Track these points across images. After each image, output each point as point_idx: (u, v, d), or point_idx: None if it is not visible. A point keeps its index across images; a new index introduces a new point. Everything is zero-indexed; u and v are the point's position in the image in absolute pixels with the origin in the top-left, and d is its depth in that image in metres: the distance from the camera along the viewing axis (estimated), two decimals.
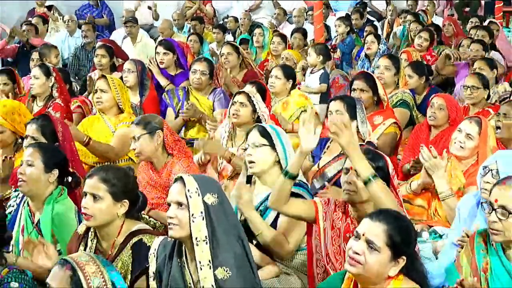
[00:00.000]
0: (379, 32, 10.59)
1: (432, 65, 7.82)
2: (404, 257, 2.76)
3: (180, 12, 11.56)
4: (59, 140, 4.33)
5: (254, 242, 3.73)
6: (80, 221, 3.67)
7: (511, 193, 2.99)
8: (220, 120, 5.72)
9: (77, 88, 7.67)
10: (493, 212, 3.02)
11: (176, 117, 6.10)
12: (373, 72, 7.25)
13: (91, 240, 3.36)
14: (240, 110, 4.90)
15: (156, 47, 7.09)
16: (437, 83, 7.66)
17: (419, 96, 6.69)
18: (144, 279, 3.16)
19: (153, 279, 3.00)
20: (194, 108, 5.91)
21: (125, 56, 7.96)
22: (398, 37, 9.72)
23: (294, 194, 3.58)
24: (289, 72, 6.34)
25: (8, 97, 6.18)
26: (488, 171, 3.60)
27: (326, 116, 4.88)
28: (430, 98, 5.48)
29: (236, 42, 8.87)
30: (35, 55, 7.83)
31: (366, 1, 12.85)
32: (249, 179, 3.97)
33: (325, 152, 4.84)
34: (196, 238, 2.83)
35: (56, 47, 8.09)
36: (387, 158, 3.49)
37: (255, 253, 3.50)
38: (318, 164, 4.74)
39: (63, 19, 10.79)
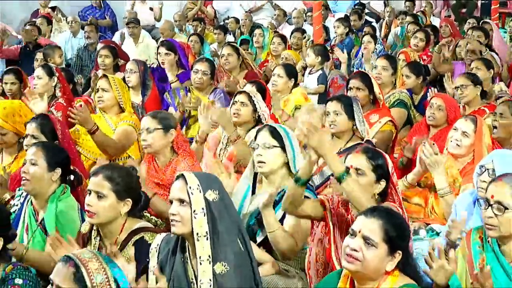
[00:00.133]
0: (377, 33, 10.61)
1: (429, 64, 7.85)
2: (400, 252, 2.77)
3: (181, 13, 11.56)
4: (58, 138, 4.33)
5: (258, 241, 3.74)
6: (83, 219, 3.68)
7: (507, 189, 3.01)
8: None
9: (81, 84, 7.66)
10: (489, 207, 3.03)
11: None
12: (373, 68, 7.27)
13: (95, 238, 3.37)
14: (241, 110, 4.90)
15: (157, 48, 7.09)
16: (430, 79, 7.67)
17: (416, 96, 6.69)
18: (145, 277, 3.16)
19: (153, 274, 3.00)
20: (199, 103, 5.89)
21: (125, 56, 7.96)
22: (399, 36, 9.74)
23: None
24: (291, 71, 6.36)
25: (14, 97, 6.22)
26: (485, 170, 3.61)
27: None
28: (429, 99, 5.48)
29: (236, 42, 8.87)
30: (39, 55, 7.84)
31: (364, 1, 12.86)
32: (254, 176, 3.96)
33: None
34: (197, 234, 2.84)
35: (60, 48, 8.12)
36: (387, 156, 3.49)
37: (254, 250, 3.49)
38: (318, 163, 4.73)
39: (66, 20, 10.80)
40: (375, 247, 2.73)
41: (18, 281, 3.03)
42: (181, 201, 2.90)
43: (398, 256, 2.77)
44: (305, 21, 11.44)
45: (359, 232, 2.77)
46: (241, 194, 3.92)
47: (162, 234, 3.10)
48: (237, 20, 11.42)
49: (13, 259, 3.33)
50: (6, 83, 6.39)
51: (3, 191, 4.22)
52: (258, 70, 7.74)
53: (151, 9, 11.99)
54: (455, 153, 4.57)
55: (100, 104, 5.34)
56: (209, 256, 2.82)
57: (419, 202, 4.64)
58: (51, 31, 10.50)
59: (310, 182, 3.87)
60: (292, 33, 9.37)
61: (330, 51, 8.19)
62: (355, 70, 7.81)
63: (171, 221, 2.93)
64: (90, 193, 3.29)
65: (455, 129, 4.59)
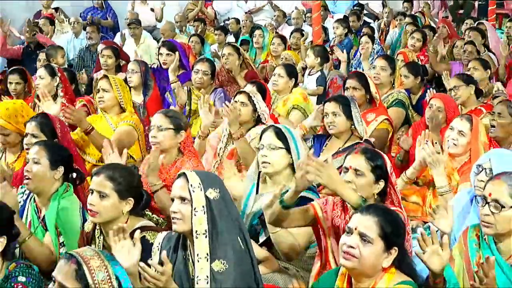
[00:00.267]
0: (376, 33, 10.62)
1: (426, 64, 7.86)
2: (396, 248, 2.78)
3: (182, 14, 11.56)
4: (58, 137, 4.34)
5: (260, 241, 3.74)
6: (84, 217, 3.69)
7: (505, 188, 3.02)
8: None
9: (83, 85, 7.67)
10: (486, 205, 3.04)
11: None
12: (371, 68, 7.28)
13: (98, 237, 3.38)
14: (241, 110, 4.89)
15: (159, 48, 7.09)
16: (428, 79, 7.68)
17: (414, 96, 6.70)
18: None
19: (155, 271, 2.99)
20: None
21: (126, 57, 7.96)
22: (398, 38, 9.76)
23: (305, 199, 3.58)
24: (291, 71, 6.36)
25: (19, 96, 6.23)
26: (482, 170, 3.61)
27: (323, 117, 4.88)
28: (428, 99, 5.47)
29: (237, 43, 8.88)
30: (42, 56, 7.86)
31: (363, 2, 12.86)
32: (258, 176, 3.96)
33: (323, 150, 4.84)
34: (196, 231, 2.85)
35: (62, 48, 8.11)
36: (385, 157, 3.48)
37: (254, 248, 3.49)
38: None
39: (68, 21, 10.80)
40: (371, 243, 2.75)
41: (21, 278, 3.04)
42: (182, 199, 2.91)
43: (394, 252, 2.78)
44: (304, 21, 11.45)
45: (355, 229, 2.78)
46: (246, 193, 3.92)
47: (163, 232, 3.11)
48: (237, 21, 11.42)
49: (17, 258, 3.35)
50: (11, 83, 6.40)
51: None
52: (258, 70, 7.75)
53: (152, 10, 12.00)
54: (452, 152, 4.57)
55: (101, 104, 5.34)
56: (207, 254, 2.83)
57: (416, 201, 4.64)
58: (53, 31, 10.50)
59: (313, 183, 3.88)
60: (291, 33, 9.37)
61: (330, 52, 8.19)
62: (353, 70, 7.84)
63: (172, 218, 2.94)
64: (92, 193, 3.30)
65: (451, 129, 4.60)
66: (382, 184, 3.43)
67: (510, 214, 3.00)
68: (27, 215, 3.83)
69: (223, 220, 2.87)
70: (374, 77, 6.24)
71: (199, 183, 2.89)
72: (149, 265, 2.89)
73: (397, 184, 3.69)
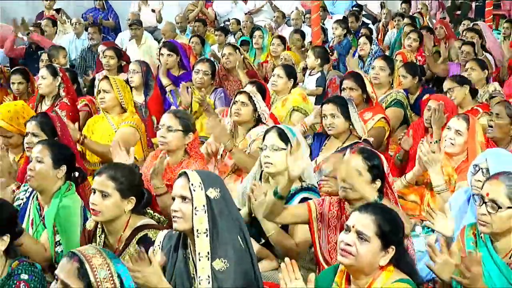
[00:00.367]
0: (374, 34, 10.62)
1: (424, 65, 7.86)
2: (393, 247, 2.78)
3: (182, 15, 11.56)
4: (58, 136, 4.34)
5: (262, 240, 3.74)
6: (85, 216, 3.69)
7: (502, 188, 3.01)
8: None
9: (85, 85, 7.67)
10: (484, 205, 3.03)
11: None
12: (366, 72, 7.29)
13: (99, 236, 3.39)
14: (241, 109, 4.89)
15: (160, 49, 7.09)
16: (426, 80, 7.68)
17: (412, 96, 6.71)
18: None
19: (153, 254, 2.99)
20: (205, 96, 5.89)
21: (126, 57, 7.96)
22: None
23: (307, 200, 3.62)
24: (290, 72, 6.35)
25: (22, 96, 6.24)
26: (479, 169, 3.60)
27: (321, 118, 4.89)
28: (426, 100, 5.48)
29: (237, 43, 8.87)
30: (44, 56, 7.87)
31: (361, 2, 12.86)
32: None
33: (322, 149, 4.85)
34: (197, 230, 2.85)
35: (64, 48, 8.13)
36: (382, 157, 3.50)
37: (254, 247, 3.50)
38: (316, 160, 4.75)
39: (70, 22, 10.80)
40: (368, 241, 2.75)
41: (24, 276, 3.04)
42: (183, 198, 2.91)
43: (392, 251, 2.78)
44: (303, 22, 11.44)
45: (353, 227, 2.79)
46: (248, 187, 3.91)
47: (164, 231, 3.11)
48: (238, 22, 11.42)
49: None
50: (13, 83, 6.41)
51: (10, 180, 4.23)
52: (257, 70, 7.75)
53: (153, 11, 11.99)
54: (450, 152, 4.57)
55: (102, 105, 5.35)
56: (208, 252, 2.83)
57: (415, 200, 4.64)
58: (55, 32, 10.50)
59: (314, 183, 3.89)
60: (291, 34, 9.36)
61: (330, 53, 8.20)
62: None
63: (173, 217, 2.94)
64: (94, 192, 3.30)
65: (448, 129, 4.61)
66: (378, 183, 3.45)
67: (507, 214, 3.00)
68: (29, 213, 3.84)
69: (224, 220, 2.87)
70: (373, 77, 6.25)
71: (200, 183, 2.89)
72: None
73: (395, 184, 3.70)
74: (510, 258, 3.04)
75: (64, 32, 10.79)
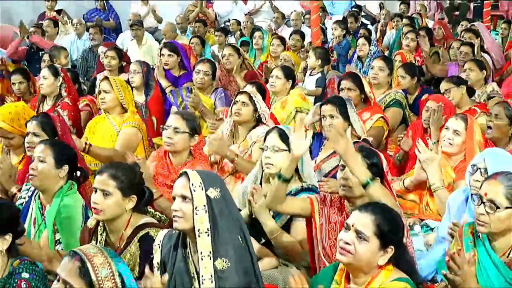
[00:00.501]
0: (373, 35, 10.61)
1: (422, 65, 7.86)
2: (392, 247, 2.77)
3: (183, 16, 11.56)
4: (58, 136, 4.34)
5: (263, 240, 3.74)
6: (86, 215, 3.69)
7: (501, 188, 3.00)
8: (219, 118, 5.72)
9: (85, 89, 7.67)
10: (482, 205, 3.03)
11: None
12: (365, 72, 7.29)
13: (101, 234, 3.39)
14: (242, 109, 4.89)
15: (161, 49, 7.09)
16: (426, 80, 7.68)
17: (411, 96, 6.71)
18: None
19: (157, 269, 3.00)
20: (198, 97, 5.89)
21: (127, 58, 7.96)
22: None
23: None
24: (289, 73, 6.35)
25: (23, 96, 6.24)
26: (477, 169, 3.60)
27: (321, 119, 4.88)
28: (425, 100, 5.48)
29: (237, 44, 8.87)
30: (46, 57, 7.88)
31: (360, 3, 12.85)
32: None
33: (322, 149, 4.85)
34: (199, 230, 2.84)
35: (65, 49, 8.15)
36: (381, 155, 3.50)
37: (254, 246, 3.49)
38: (315, 160, 4.75)
39: (71, 23, 10.80)
40: (367, 241, 2.75)
41: (25, 275, 3.03)
42: (184, 197, 2.90)
43: (391, 251, 2.77)
44: (303, 23, 11.44)
45: (352, 226, 2.79)
46: (249, 188, 3.91)
47: (164, 230, 3.10)
48: (238, 22, 11.42)
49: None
50: (14, 84, 6.41)
51: (11, 184, 4.22)
52: (258, 71, 7.74)
53: (154, 11, 11.99)
54: (448, 152, 4.58)
55: (103, 106, 5.35)
56: (210, 252, 2.82)
57: (414, 199, 4.64)
58: (57, 33, 10.51)
59: (315, 184, 3.89)
60: (291, 35, 9.37)
61: (331, 54, 8.21)
62: (353, 67, 7.83)
63: (174, 217, 2.93)
64: (96, 191, 3.30)
65: (447, 129, 4.62)
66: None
67: (505, 214, 2.99)
68: (31, 212, 3.84)
69: (224, 219, 2.86)
70: (372, 77, 6.26)
71: (200, 182, 2.88)
72: (151, 265, 2.92)
73: (394, 185, 3.70)
74: (507, 257, 3.04)
75: (66, 32, 10.79)
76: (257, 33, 9.21)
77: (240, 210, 3.65)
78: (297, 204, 3.53)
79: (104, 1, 11.83)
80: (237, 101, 4.93)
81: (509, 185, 3.00)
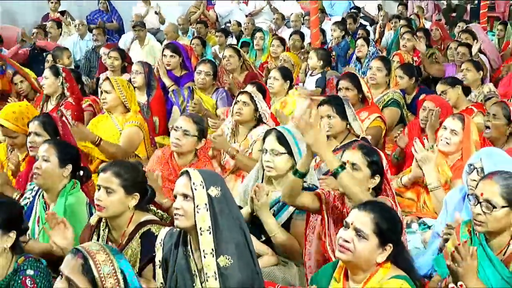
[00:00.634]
0: (371, 35, 10.61)
1: (420, 65, 7.86)
2: (391, 245, 2.78)
3: (185, 17, 11.56)
4: (60, 135, 4.34)
5: (263, 238, 3.74)
6: (90, 213, 3.70)
7: (496, 188, 2.99)
8: (221, 118, 5.73)
9: (87, 89, 7.67)
10: (478, 204, 3.02)
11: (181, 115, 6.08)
12: (364, 73, 7.29)
13: (103, 230, 3.39)
14: (243, 109, 4.90)
15: (163, 50, 7.10)
16: (423, 80, 7.68)
17: (409, 96, 6.71)
18: (151, 267, 3.18)
19: (159, 267, 3.01)
20: (200, 104, 5.91)
21: (128, 58, 7.96)
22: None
23: None
24: (286, 74, 6.36)
25: (27, 95, 6.24)
26: (474, 169, 3.59)
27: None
28: (422, 100, 5.48)
29: (238, 45, 8.88)
30: (49, 57, 7.88)
31: (359, 2, 12.85)
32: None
33: None
34: (200, 228, 2.84)
35: (68, 49, 8.17)
36: (381, 153, 3.50)
37: (254, 243, 3.49)
38: (315, 159, 4.74)
39: (74, 24, 10.81)
40: (366, 239, 2.76)
41: (30, 272, 3.03)
42: (185, 196, 2.90)
43: (389, 249, 2.78)
44: (302, 24, 11.44)
45: (352, 224, 2.79)
46: (250, 186, 3.91)
47: (166, 228, 3.10)
48: (239, 23, 11.43)
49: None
50: (16, 83, 6.41)
51: (8, 189, 4.21)
52: (258, 71, 7.74)
53: (156, 12, 12.00)
54: (445, 151, 4.58)
55: (104, 106, 5.37)
56: (212, 249, 2.82)
57: (411, 197, 4.65)
58: (60, 34, 10.52)
59: (315, 183, 3.88)
60: (290, 35, 9.38)
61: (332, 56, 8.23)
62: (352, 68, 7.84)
63: (175, 215, 2.93)
64: (99, 189, 3.31)
65: (444, 128, 4.62)
66: (377, 179, 3.45)
67: (501, 213, 2.98)
68: (35, 211, 3.84)
69: (224, 218, 2.86)
70: (370, 77, 6.26)
71: (201, 181, 2.88)
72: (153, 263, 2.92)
73: (392, 182, 3.69)
74: (504, 255, 3.04)
75: (69, 33, 10.79)
76: (258, 34, 9.21)
77: (241, 208, 3.66)
78: (309, 198, 3.49)
79: (107, 3, 11.83)
80: (238, 101, 4.93)
81: (504, 184, 2.99)
